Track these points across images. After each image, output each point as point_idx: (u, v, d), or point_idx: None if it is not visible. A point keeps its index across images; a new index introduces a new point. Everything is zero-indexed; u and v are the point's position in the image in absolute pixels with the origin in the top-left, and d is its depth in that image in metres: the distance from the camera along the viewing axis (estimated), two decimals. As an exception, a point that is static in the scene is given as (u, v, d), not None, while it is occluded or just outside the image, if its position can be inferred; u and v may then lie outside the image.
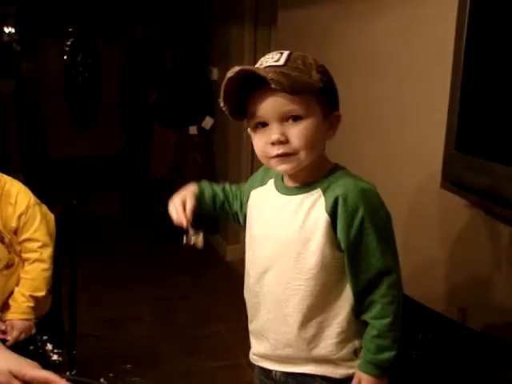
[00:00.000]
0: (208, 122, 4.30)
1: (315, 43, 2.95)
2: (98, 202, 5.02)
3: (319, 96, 1.23)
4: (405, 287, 1.47)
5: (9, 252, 1.79)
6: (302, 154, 1.23)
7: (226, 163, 4.20)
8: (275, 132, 1.21)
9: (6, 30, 6.20)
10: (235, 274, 3.50)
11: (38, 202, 1.86)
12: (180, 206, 1.36)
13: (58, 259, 1.92)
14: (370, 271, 1.24)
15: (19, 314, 1.74)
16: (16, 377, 1.21)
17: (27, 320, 1.75)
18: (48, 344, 1.60)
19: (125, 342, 2.81)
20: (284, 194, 1.31)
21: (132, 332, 3.04)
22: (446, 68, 1.79)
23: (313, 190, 1.26)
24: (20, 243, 1.83)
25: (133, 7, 4.73)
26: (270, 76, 1.15)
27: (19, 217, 1.80)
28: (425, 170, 2.10)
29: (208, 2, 4.33)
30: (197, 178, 4.34)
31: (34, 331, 1.76)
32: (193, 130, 4.31)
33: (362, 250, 1.23)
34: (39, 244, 1.83)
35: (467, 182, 1.72)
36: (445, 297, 1.99)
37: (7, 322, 1.73)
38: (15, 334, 1.70)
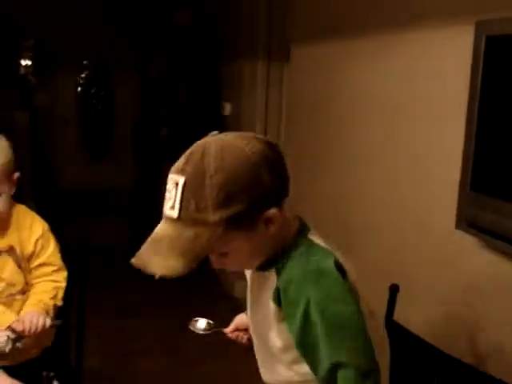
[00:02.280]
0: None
1: (326, 80, 2.96)
2: (108, 233, 5.01)
3: (230, 226, 1.10)
4: (418, 329, 1.44)
5: (25, 277, 1.79)
6: (248, 266, 1.25)
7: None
8: (214, 263, 1.20)
9: (23, 62, 6.29)
10: (243, 310, 3.45)
11: (49, 228, 1.87)
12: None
13: (67, 290, 1.89)
14: (323, 367, 1.09)
15: (32, 306, 1.72)
16: None
17: (40, 313, 1.71)
18: (55, 382, 1.56)
19: (134, 377, 2.77)
20: (255, 269, 1.26)
21: (142, 366, 2.99)
22: (460, 107, 1.78)
23: (270, 269, 1.20)
24: (34, 268, 1.82)
25: (147, 42, 4.78)
26: (159, 272, 1.10)
27: (36, 241, 1.81)
28: (439, 211, 2.07)
29: (221, 37, 4.37)
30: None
31: (48, 323, 1.72)
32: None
33: (310, 342, 1.10)
34: (54, 268, 1.84)
35: (482, 223, 1.69)
36: (461, 341, 1.94)
37: (18, 319, 1.69)
38: (27, 323, 1.66)
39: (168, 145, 4.40)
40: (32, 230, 1.82)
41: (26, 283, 1.82)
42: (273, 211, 1.13)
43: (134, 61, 5.78)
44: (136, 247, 4.19)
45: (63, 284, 1.84)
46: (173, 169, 1.14)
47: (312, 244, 1.20)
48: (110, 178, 6.16)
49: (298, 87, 3.38)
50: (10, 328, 1.67)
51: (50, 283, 1.81)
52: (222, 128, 3.99)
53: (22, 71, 6.31)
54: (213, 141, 1.13)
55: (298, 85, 3.40)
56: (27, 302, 1.77)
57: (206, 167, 1.08)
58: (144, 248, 1.14)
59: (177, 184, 1.09)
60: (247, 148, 1.11)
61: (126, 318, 3.62)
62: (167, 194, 1.12)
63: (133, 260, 1.13)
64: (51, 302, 1.79)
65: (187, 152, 1.15)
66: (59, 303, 1.82)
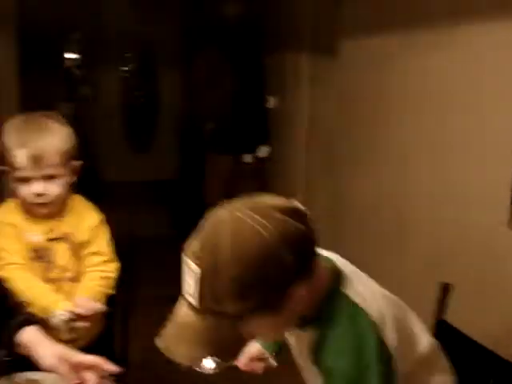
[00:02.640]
0: (263, 151, 4.29)
1: (376, 74, 2.91)
2: (152, 223, 5.05)
3: (252, 312, 1.04)
4: (470, 329, 1.40)
5: (78, 266, 1.81)
6: (281, 335, 1.24)
7: (280, 193, 4.14)
8: (245, 336, 1.17)
9: (68, 55, 6.37)
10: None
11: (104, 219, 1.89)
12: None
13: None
14: None
15: (85, 291, 1.73)
16: (64, 361, 1.35)
17: (94, 299, 1.73)
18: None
19: (175, 371, 2.76)
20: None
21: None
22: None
23: (305, 328, 1.16)
24: (86, 257, 1.83)
25: (193, 34, 4.79)
26: (185, 362, 1.09)
27: (90, 231, 1.82)
28: (491, 208, 2.01)
29: (267, 29, 4.34)
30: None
31: (101, 308, 1.74)
32: (247, 158, 4.31)
33: None
34: (105, 258, 1.84)
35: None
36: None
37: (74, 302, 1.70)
38: (83, 305, 1.68)
39: (212, 137, 4.40)
40: (87, 220, 1.83)
41: (81, 272, 1.83)
42: (297, 290, 1.05)
43: (179, 53, 5.80)
44: (180, 238, 4.20)
45: (113, 275, 1.84)
46: (188, 251, 1.06)
47: (348, 303, 1.12)
48: (154, 170, 6.21)
49: (346, 81, 3.33)
50: (66, 311, 1.69)
51: (100, 273, 1.82)
52: (267, 122, 3.99)
53: (67, 64, 6.40)
54: (227, 220, 1.03)
55: (345, 79, 3.35)
56: (79, 288, 1.78)
57: (220, 258, 1.01)
58: (168, 332, 1.10)
59: (192, 271, 1.04)
60: (265, 230, 1.00)
61: (167, 311, 3.63)
62: (185, 278, 1.06)
63: (157, 342, 1.10)
64: (102, 290, 1.80)
65: (202, 233, 1.06)
66: (110, 291, 1.83)
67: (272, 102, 4.24)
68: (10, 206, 1.81)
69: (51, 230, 1.78)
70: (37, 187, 1.70)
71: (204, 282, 1.02)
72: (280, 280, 1.02)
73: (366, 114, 3.02)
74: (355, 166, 3.11)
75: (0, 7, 3.26)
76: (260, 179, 4.36)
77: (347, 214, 3.22)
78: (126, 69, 6.59)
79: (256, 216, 1.02)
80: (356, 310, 1.11)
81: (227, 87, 4.32)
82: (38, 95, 5.55)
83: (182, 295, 1.08)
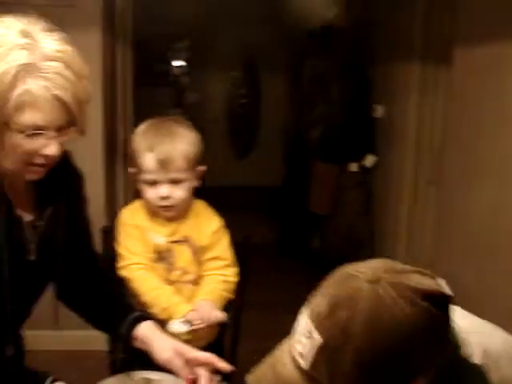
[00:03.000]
0: (369, 160, 4.23)
1: (493, 83, 2.79)
2: (254, 230, 5.08)
3: None
4: None
5: (198, 269, 1.84)
6: None
7: (385, 204, 4.09)
8: None
9: (176, 63, 6.56)
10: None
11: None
12: None
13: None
14: None
15: (206, 295, 1.76)
16: (179, 355, 1.39)
17: (214, 306, 1.74)
18: (216, 375, 1.59)
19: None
20: None
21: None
22: None
23: None
24: (207, 261, 1.86)
25: (300, 43, 4.80)
26: None
27: (211, 235, 1.84)
28: None
29: (375, 37, 4.29)
30: (354, 218, 4.31)
31: (220, 317, 1.75)
32: (353, 167, 4.26)
33: None
34: (226, 263, 1.86)
35: None
36: None
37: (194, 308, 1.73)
38: (202, 314, 1.70)
39: (319, 145, 4.39)
40: (209, 224, 1.85)
41: (199, 275, 1.87)
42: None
43: (284, 62, 5.84)
44: (282, 245, 4.23)
45: (234, 279, 1.86)
46: (311, 311, 0.95)
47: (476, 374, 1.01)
48: (256, 176, 6.27)
49: (458, 90, 3.23)
50: (185, 317, 1.72)
51: (221, 277, 1.84)
52: (373, 131, 3.93)
53: (175, 72, 6.59)
54: (366, 295, 0.91)
55: (457, 87, 3.24)
56: (201, 291, 1.80)
57: (350, 338, 0.89)
58: (264, 376, 1.01)
59: (312, 337, 0.93)
60: (404, 317, 0.89)
61: (266, 315, 3.64)
62: (299, 335, 0.96)
63: (249, 379, 1.02)
64: (224, 294, 1.82)
65: (333, 297, 0.94)
66: (230, 295, 1.85)
67: (379, 111, 4.18)
68: (136, 206, 1.86)
69: (174, 233, 1.82)
70: (163, 190, 1.74)
71: (322, 354, 0.91)
72: (403, 372, 0.91)
73: (483, 124, 2.90)
74: (468, 178, 3.00)
75: (121, 21, 3.39)
76: (365, 189, 4.31)
77: (456, 228, 3.11)
78: (233, 76, 6.71)
79: (398, 299, 0.90)
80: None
81: (333, 96, 4.31)
82: (148, 101, 5.78)
83: (291, 345, 0.98)
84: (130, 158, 1.83)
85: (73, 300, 1.60)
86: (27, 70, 1.19)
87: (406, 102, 3.82)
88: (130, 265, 1.78)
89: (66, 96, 1.22)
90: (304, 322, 0.95)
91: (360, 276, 0.93)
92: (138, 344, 1.48)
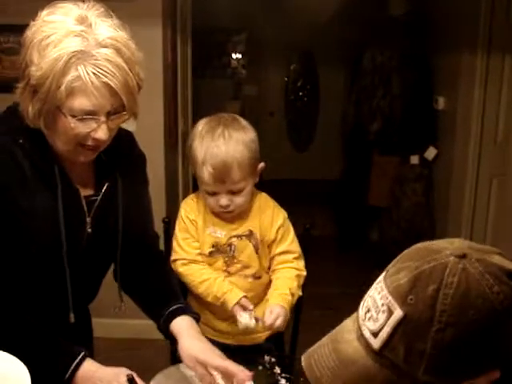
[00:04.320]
0: (431, 153, 4.14)
1: None
2: (313, 223, 5.07)
3: None
4: None
5: (260, 264, 1.84)
6: None
7: (446, 197, 4.00)
8: None
9: (234, 55, 6.57)
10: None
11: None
12: None
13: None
14: None
15: (277, 301, 1.76)
16: (201, 364, 1.39)
17: (284, 313, 1.73)
18: (276, 367, 1.58)
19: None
20: None
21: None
22: None
23: None
24: (276, 256, 1.86)
25: (359, 33, 4.74)
26: None
27: (277, 230, 1.83)
28: None
29: (436, 26, 4.19)
30: (414, 210, 4.24)
31: (284, 326, 1.75)
32: (414, 159, 4.18)
33: None
34: (295, 255, 1.85)
35: None
36: None
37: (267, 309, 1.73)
38: (273, 317, 1.69)
39: (378, 137, 4.33)
40: (273, 218, 1.83)
41: (263, 269, 1.86)
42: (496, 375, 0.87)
43: (342, 53, 5.78)
44: (342, 238, 4.20)
45: (304, 272, 1.85)
46: (390, 284, 0.89)
47: None
48: (314, 169, 6.24)
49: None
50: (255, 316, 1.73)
51: (293, 270, 1.83)
52: (435, 123, 3.84)
53: (233, 64, 6.61)
54: (454, 270, 0.85)
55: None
56: (274, 291, 1.79)
57: (437, 314, 0.84)
58: (322, 354, 0.95)
59: (390, 311, 0.87)
60: (492, 293, 0.84)
61: (325, 308, 3.63)
62: (371, 310, 0.91)
63: (304, 357, 0.97)
64: (296, 292, 1.81)
65: (418, 271, 0.87)
66: (300, 293, 1.85)
67: (441, 102, 4.08)
68: (196, 199, 1.86)
69: (236, 228, 1.81)
70: (222, 201, 1.74)
71: (402, 331, 0.86)
72: (488, 361, 0.86)
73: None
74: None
75: (181, 14, 3.42)
76: (426, 182, 4.22)
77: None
78: (290, 68, 6.69)
79: (487, 275, 0.85)
80: None
81: (394, 87, 4.23)
82: (207, 93, 5.82)
83: (358, 323, 0.93)
84: (187, 157, 1.84)
85: (127, 282, 1.61)
86: (79, 56, 1.22)
87: (469, 92, 3.72)
88: (177, 260, 1.82)
89: (115, 83, 1.24)
90: (380, 297, 0.90)
91: (444, 250, 0.88)
92: (173, 337, 1.49)
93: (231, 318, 1.79)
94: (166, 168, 3.23)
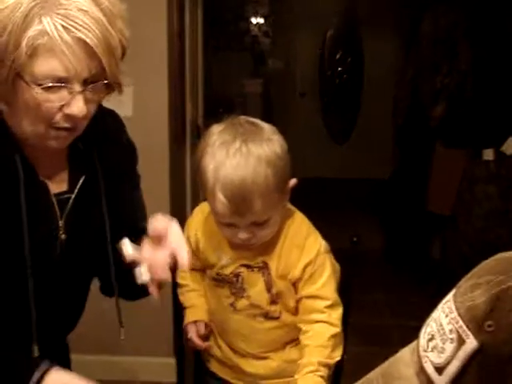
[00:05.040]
0: (510, 146, 4.11)
1: None
2: (354, 231, 5.08)
3: None
4: None
5: (272, 302, 1.82)
6: None
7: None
8: None
9: (255, 20, 6.58)
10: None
11: (328, 249, 1.84)
12: None
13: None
14: None
15: (307, 379, 1.74)
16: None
17: None
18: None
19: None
20: None
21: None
22: None
23: None
24: (301, 300, 1.84)
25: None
26: None
27: (305, 266, 1.79)
28: None
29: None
30: (488, 219, 4.21)
31: None
32: (488, 154, 4.14)
33: None
34: (328, 303, 1.79)
35: None
36: None
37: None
38: None
39: (442, 125, 4.30)
40: (303, 250, 1.78)
41: (283, 309, 1.85)
42: None
43: (394, 17, 5.76)
44: (393, 252, 4.16)
45: (339, 329, 1.81)
46: (462, 305, 0.88)
47: None
48: (357, 166, 6.23)
49: None
50: None
51: (325, 327, 1.79)
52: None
53: (254, 31, 6.62)
54: None
55: None
56: (302, 369, 1.77)
57: None
58: None
59: (460, 340, 0.85)
60: None
61: (370, 345, 3.66)
62: (435, 337, 0.90)
63: None
64: (332, 360, 1.79)
65: (498, 286, 0.86)
66: (339, 357, 1.82)
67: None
68: (203, 213, 1.86)
69: (246, 256, 1.79)
70: (242, 235, 1.72)
71: (476, 367, 0.84)
72: None
73: None
74: None
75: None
76: (503, 183, 4.19)
77: None
78: (326, 37, 6.69)
79: None
80: None
81: (462, 61, 4.21)
82: (222, 70, 5.84)
83: (417, 354, 0.93)
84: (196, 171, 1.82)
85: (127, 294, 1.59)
86: (43, 5, 1.18)
87: None
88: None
89: (92, 39, 1.20)
90: (447, 320, 0.88)
91: None
92: None
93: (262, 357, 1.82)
94: (171, 164, 3.23)
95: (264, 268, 1.79)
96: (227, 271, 1.80)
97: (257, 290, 1.81)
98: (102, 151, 1.46)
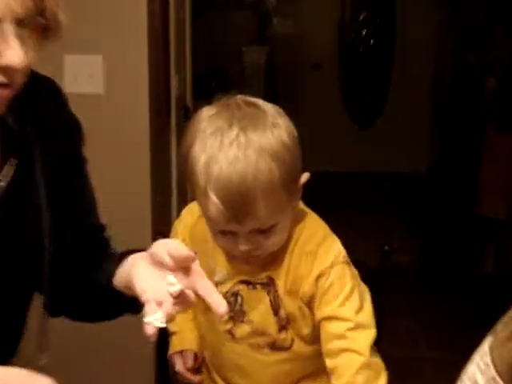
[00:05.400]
0: None
1: None
2: (386, 241, 5.07)
3: None
4: None
5: (281, 329, 1.81)
6: None
7: None
8: None
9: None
10: None
11: (347, 259, 1.81)
12: None
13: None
14: None
15: None
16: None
17: None
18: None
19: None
20: None
21: None
22: None
23: None
24: (320, 323, 1.82)
25: None
26: None
27: (318, 278, 1.78)
28: None
29: None
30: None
31: None
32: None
33: None
34: (349, 325, 1.77)
35: None
36: None
37: None
38: None
39: (494, 105, 4.30)
40: (316, 259, 1.75)
41: (296, 336, 1.85)
42: None
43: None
44: (431, 264, 4.21)
45: (368, 357, 1.79)
46: (501, 359, 0.91)
47: None
48: (383, 157, 6.22)
49: None
50: None
51: (352, 358, 1.77)
52: None
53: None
54: None
55: None
56: None
57: None
58: None
59: None
60: None
61: (402, 349, 3.76)
62: None
63: None
64: None
65: None
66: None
67: None
68: (192, 216, 1.86)
69: (247, 271, 1.78)
70: (242, 247, 1.70)
71: None
72: None
73: None
74: None
75: None
76: None
77: None
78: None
79: None
80: None
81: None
82: (217, 34, 5.84)
83: None
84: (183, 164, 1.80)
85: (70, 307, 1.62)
86: None
87: None
88: None
89: None
90: (484, 380, 0.89)
91: None
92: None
93: None
94: (153, 154, 3.22)
95: (269, 285, 1.78)
96: (223, 289, 1.78)
97: (261, 312, 1.79)
98: (39, 129, 1.46)
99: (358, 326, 1.74)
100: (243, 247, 1.67)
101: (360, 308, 1.76)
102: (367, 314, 1.77)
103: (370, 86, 6.66)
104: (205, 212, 1.67)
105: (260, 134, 1.60)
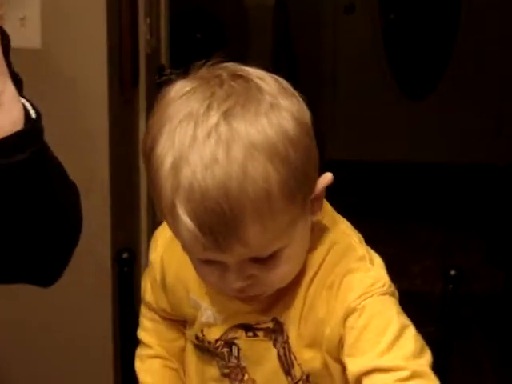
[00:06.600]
0: None
1: None
2: (451, 260, 5.12)
3: None
4: None
5: None
6: None
7: None
8: None
9: None
10: None
11: (392, 288, 1.76)
12: None
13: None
14: None
15: None
16: None
17: None
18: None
19: None
20: None
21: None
22: None
23: None
24: (359, 380, 1.80)
25: None
26: None
27: (344, 319, 1.75)
28: None
29: None
30: None
31: None
32: None
33: None
34: (403, 374, 1.75)
35: None
36: None
37: None
38: None
39: None
40: (340, 289, 1.76)
41: None
42: None
43: None
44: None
45: None
46: None
47: None
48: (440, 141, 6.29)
49: None
50: None
51: None
52: None
53: None
54: None
55: None
56: None
57: None
58: None
59: None
60: None
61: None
62: None
63: None
64: None
65: None
66: None
67: None
68: (171, 241, 1.81)
69: (247, 311, 1.73)
70: (235, 282, 1.63)
71: None
72: None
73: None
74: None
75: None
76: None
77: None
78: None
79: None
80: None
81: None
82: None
83: None
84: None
85: None
86: None
87: None
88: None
89: None
90: None
91: None
92: None
93: None
94: (112, 132, 3.22)
95: (276, 331, 1.75)
96: (211, 335, 1.77)
97: (266, 370, 1.79)
98: None
99: (414, 376, 1.70)
100: (235, 284, 1.60)
101: (418, 352, 1.73)
102: (427, 360, 1.67)
103: (423, 38, 6.72)
104: (175, 234, 1.61)
105: (249, 122, 1.49)
